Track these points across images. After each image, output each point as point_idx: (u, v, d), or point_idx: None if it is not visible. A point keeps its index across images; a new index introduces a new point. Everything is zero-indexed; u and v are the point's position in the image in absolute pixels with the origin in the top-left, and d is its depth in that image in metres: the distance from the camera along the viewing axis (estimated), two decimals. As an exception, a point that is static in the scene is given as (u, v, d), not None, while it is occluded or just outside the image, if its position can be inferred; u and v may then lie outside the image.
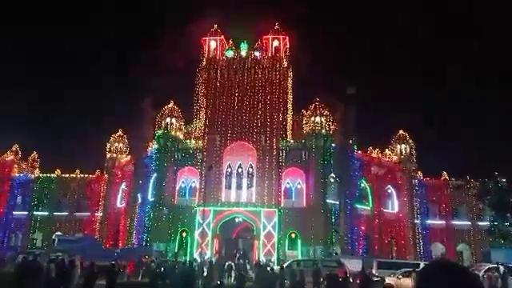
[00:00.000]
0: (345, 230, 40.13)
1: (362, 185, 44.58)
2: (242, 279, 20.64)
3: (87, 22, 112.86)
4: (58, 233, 49.16)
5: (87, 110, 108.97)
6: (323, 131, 42.22)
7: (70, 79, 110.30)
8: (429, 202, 48.55)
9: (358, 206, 42.77)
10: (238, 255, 37.50)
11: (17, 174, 53.66)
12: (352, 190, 42.16)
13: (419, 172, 49.70)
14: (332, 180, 41.43)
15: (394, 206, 47.07)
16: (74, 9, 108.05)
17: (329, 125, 42.95)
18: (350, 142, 43.64)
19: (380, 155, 47.67)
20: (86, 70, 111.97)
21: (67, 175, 53.79)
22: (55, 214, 51.39)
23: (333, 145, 42.09)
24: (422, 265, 27.66)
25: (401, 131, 50.00)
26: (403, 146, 49.18)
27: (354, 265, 28.02)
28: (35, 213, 51.77)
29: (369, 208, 44.38)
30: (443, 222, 48.10)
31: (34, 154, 57.05)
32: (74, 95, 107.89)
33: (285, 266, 28.11)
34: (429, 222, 47.67)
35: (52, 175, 53.81)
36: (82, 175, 53.74)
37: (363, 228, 42.44)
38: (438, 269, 2.38)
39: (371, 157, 46.53)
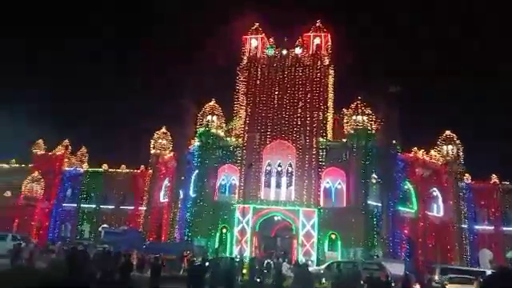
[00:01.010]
0: (387, 232, 39.16)
1: (406, 187, 43.26)
2: (280, 278, 20.68)
3: (134, 24, 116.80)
4: (105, 225, 51.40)
5: (134, 108, 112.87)
6: (365, 130, 41.35)
7: (120, 79, 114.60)
8: (477, 206, 46.45)
9: (401, 208, 41.55)
10: (275, 254, 37.61)
11: (67, 168, 56.51)
12: (395, 192, 41.02)
13: (467, 174, 47.60)
14: (374, 181, 40.51)
15: (439, 210, 45.30)
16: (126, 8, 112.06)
17: (371, 124, 41.98)
18: (394, 142, 42.46)
19: (425, 156, 46.04)
20: (135, 70, 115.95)
21: (113, 170, 56.05)
22: (102, 206, 53.69)
23: (375, 145, 41.12)
24: (488, 272, 26.57)
25: (448, 132, 48.00)
26: (450, 147, 47.15)
27: (395, 268, 27.33)
28: (83, 205, 54.33)
29: (413, 211, 42.98)
30: (492, 227, 45.88)
31: (83, 149, 59.90)
32: (122, 94, 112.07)
33: (323, 267, 27.87)
34: (476, 227, 45.63)
35: (99, 169, 56.24)
36: (127, 170, 55.82)
37: (406, 231, 41.20)
38: (504, 277, 2.30)
39: (416, 158, 45.00)
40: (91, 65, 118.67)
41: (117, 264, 21.86)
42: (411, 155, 44.78)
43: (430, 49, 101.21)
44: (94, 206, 54.12)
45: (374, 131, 41.57)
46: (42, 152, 56.79)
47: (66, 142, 58.04)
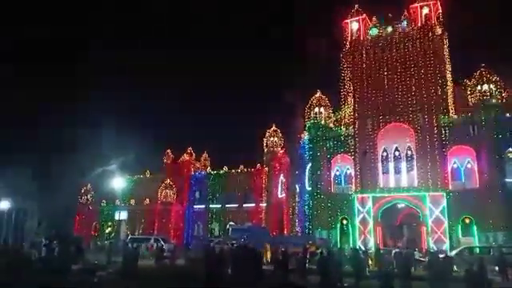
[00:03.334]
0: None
1: (553, 157, 37.34)
2: (409, 268, 19.63)
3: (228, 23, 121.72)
4: (231, 223, 54.67)
5: (243, 110, 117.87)
6: (493, 100, 36.82)
7: (227, 81, 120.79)
8: None
9: (549, 183, 35.99)
10: (399, 243, 35.76)
11: (193, 173, 61.58)
12: (538, 165, 35.74)
13: None
14: (510, 156, 35.80)
15: None
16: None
17: (500, 92, 37.24)
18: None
19: None
20: (238, 72, 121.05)
21: (233, 171, 59.37)
22: (227, 206, 57.25)
23: (508, 115, 36.32)
24: None
25: None
26: None
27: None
28: (211, 206, 58.58)
29: None
30: None
31: (205, 154, 64.68)
32: (227, 99, 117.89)
33: (454, 253, 25.60)
34: None
35: (221, 171, 60.08)
36: (245, 169, 58.60)
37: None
38: None
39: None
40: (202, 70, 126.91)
41: (248, 258, 22.98)
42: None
43: None
44: (219, 205, 57.96)
45: (504, 100, 36.78)
46: (171, 161, 62.72)
47: (190, 149, 63.22)
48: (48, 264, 22.59)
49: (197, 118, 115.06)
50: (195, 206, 59.84)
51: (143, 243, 39.10)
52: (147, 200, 59.10)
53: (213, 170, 61.71)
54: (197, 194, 60.91)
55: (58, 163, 64.22)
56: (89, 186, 63.19)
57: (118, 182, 44.60)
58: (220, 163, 61.02)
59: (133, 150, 53.45)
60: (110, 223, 59.31)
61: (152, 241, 40.06)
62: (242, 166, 58.98)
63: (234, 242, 34.91)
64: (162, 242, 37.98)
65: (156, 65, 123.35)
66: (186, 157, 62.50)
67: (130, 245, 29.74)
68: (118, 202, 58.79)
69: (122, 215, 45.59)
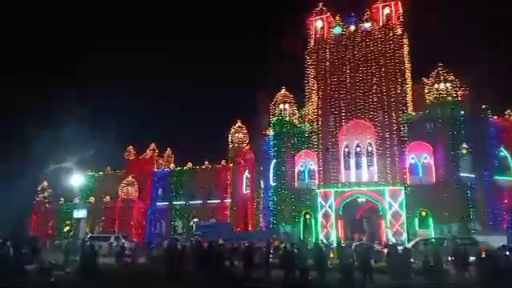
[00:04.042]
0: (484, 204, 36.17)
1: (502, 153, 39.48)
2: (368, 258, 20.17)
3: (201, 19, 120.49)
4: (195, 219, 54.18)
5: (208, 107, 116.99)
6: (449, 98, 38.44)
7: (190, 80, 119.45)
8: None
9: (498, 177, 38.01)
10: (357, 236, 36.79)
11: (156, 169, 60.47)
12: (490, 161, 37.66)
13: None
14: (464, 151, 37.55)
15: (543, 175, 40.68)
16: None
17: (455, 91, 38.93)
18: (483, 106, 39.00)
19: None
20: (203, 70, 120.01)
21: (197, 167, 58.78)
22: (190, 202, 56.67)
23: (463, 112, 38.08)
24: None
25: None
26: (552, 102, 42.09)
27: (497, 242, 25.16)
28: (174, 202, 57.75)
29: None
30: None
31: (169, 151, 63.63)
32: (194, 94, 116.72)
33: (410, 245, 26.58)
34: None
35: (184, 168, 59.34)
36: (210, 166, 58.17)
37: (506, 201, 37.64)
38: None
39: (510, 121, 40.85)
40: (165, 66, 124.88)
41: (210, 254, 22.88)
42: (505, 119, 40.81)
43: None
44: (183, 202, 57.26)
45: (459, 98, 38.52)
46: (133, 157, 61.29)
47: (153, 145, 61.99)
48: (1, 264, 21.52)
49: (161, 114, 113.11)
50: (158, 203, 58.85)
51: (103, 242, 38.04)
52: (108, 197, 57.48)
53: (176, 166, 60.85)
54: (160, 191, 59.89)
55: (11, 161, 61.34)
56: (45, 183, 60.70)
57: (77, 179, 43.11)
58: (184, 160, 60.34)
59: (93, 146, 51.85)
60: (68, 222, 57.14)
61: (112, 239, 39.02)
62: (206, 163, 58.53)
63: (197, 238, 34.64)
64: (123, 240, 37.05)
65: (120, 62, 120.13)
66: (148, 153, 61.27)
67: (89, 243, 28.75)
68: (76, 200, 56.94)
69: (81, 213, 44.18)
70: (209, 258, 22.36)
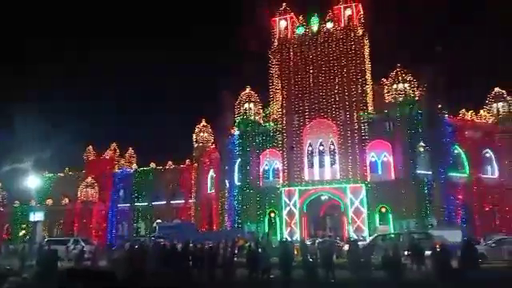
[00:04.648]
0: (440, 200, 37.82)
1: (456, 151, 41.41)
2: (330, 256, 20.55)
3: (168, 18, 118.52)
4: (158, 220, 53.25)
5: (171, 104, 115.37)
6: (408, 98, 39.82)
7: (153, 76, 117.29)
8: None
9: (453, 174, 39.90)
10: (320, 233, 37.53)
11: (117, 170, 58.94)
12: (445, 158, 39.39)
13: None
14: (422, 149, 39.08)
15: (493, 171, 43.06)
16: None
17: (413, 91, 40.39)
18: (439, 106, 40.71)
19: (474, 117, 43.78)
20: (169, 66, 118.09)
21: (161, 167, 57.82)
22: (154, 203, 55.67)
23: (420, 112, 39.59)
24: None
25: (497, 89, 45.28)
26: (500, 104, 44.49)
27: (452, 236, 26.35)
28: (136, 204, 56.57)
29: (465, 175, 41.21)
30: (557, 183, 42.89)
31: (131, 151, 62.15)
32: (157, 92, 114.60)
33: (368, 241, 27.34)
34: (539, 184, 42.80)
35: (147, 168, 58.23)
36: (174, 166, 57.36)
37: (460, 197, 39.58)
38: None
39: (464, 120, 43.01)
40: (127, 64, 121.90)
41: (173, 256, 22.55)
42: (459, 118, 42.81)
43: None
44: (146, 203, 56.18)
45: (417, 98, 40.01)
46: (93, 158, 59.47)
47: (114, 145, 60.39)
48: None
49: (122, 114, 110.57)
50: (119, 205, 57.46)
51: (61, 245, 36.63)
52: (66, 199, 55.55)
53: (139, 166, 59.56)
54: (121, 192, 58.50)
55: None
56: (-1, 185, 57.87)
57: (34, 181, 41.31)
58: (147, 160, 59.19)
59: (50, 146, 49.79)
60: (23, 225, 54.83)
61: (71, 242, 37.66)
62: (170, 163, 57.68)
63: (161, 240, 34.06)
64: (83, 244, 35.89)
65: (80, 61, 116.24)
66: (109, 153, 59.62)
67: (46, 247, 27.61)
68: (33, 202, 54.50)
69: (38, 216, 42.33)
70: (171, 259, 22.05)
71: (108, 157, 59.22)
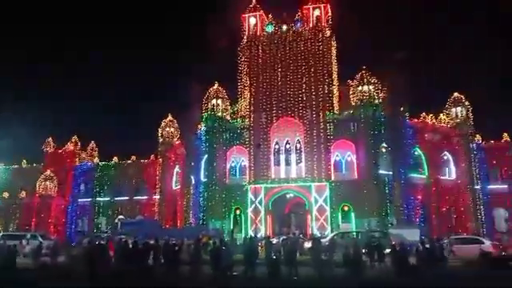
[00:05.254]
0: (400, 200, 39.14)
1: (416, 153, 42.95)
2: (293, 253, 20.85)
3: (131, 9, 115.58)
4: (121, 216, 52.11)
5: (138, 98, 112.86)
6: (372, 100, 40.86)
7: (119, 68, 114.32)
8: (489, 166, 45.93)
9: (413, 174, 41.40)
10: (285, 230, 37.95)
11: (78, 164, 57.09)
12: (405, 159, 40.80)
13: (477, 135, 46.97)
14: (384, 150, 40.27)
15: (451, 173, 45.02)
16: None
17: (377, 93, 41.46)
18: (401, 109, 42.02)
19: (434, 121, 45.55)
20: (135, 58, 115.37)
21: (124, 161, 56.48)
22: (116, 198, 54.38)
23: (383, 113, 40.72)
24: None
25: (456, 93, 47.29)
26: (459, 108, 46.52)
27: (411, 235, 27.36)
28: (98, 199, 55.05)
29: (424, 176, 42.84)
30: (505, 186, 45.33)
31: (93, 144, 60.30)
32: (122, 85, 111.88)
33: (327, 239, 27.90)
34: (490, 187, 45.12)
35: (110, 162, 56.72)
36: (138, 160, 56.17)
37: (419, 197, 41.15)
38: None
39: (425, 123, 44.58)
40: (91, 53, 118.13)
41: (135, 253, 22.14)
42: (420, 121, 44.37)
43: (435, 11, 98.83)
44: (108, 198, 54.78)
45: (380, 100, 41.09)
46: (53, 150, 57.34)
47: (75, 137, 58.46)
48: None
49: (85, 106, 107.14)
50: (80, 200, 55.74)
51: (17, 240, 35.11)
52: (24, 193, 53.28)
53: (101, 160, 57.91)
54: (82, 187, 56.78)
55: None
56: None
57: (-13, 173, 39.41)
58: (110, 154, 57.63)
59: (7, 136, 47.59)
60: (-24, 220, 52.15)
61: (27, 237, 36.18)
62: (133, 157, 56.45)
63: (122, 236, 33.34)
64: (40, 239, 34.55)
65: (42, 49, 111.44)
66: (70, 146, 57.64)
67: (1, 242, 26.40)
68: (-14, 195, 52.09)
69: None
70: (133, 256, 21.66)
71: (69, 149, 57.23)
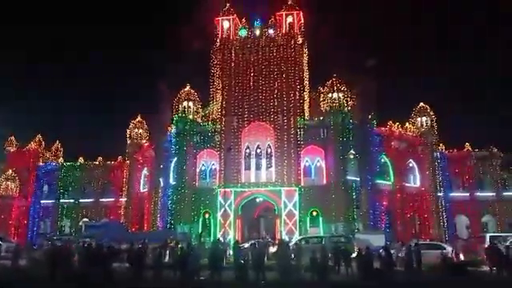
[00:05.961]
0: (366, 206, 39.96)
1: (383, 160, 44.04)
2: (261, 257, 20.89)
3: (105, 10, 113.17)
4: (85, 219, 50.67)
5: (106, 98, 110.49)
6: (341, 107, 41.61)
7: (87, 67, 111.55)
8: (452, 175, 47.77)
9: (379, 181, 42.40)
10: (255, 235, 37.97)
11: (41, 164, 55.15)
12: (372, 166, 41.75)
13: (441, 144, 48.80)
14: (352, 156, 41.02)
15: (415, 180, 46.47)
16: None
17: (347, 101, 42.26)
18: (369, 117, 43.00)
19: (400, 129, 46.92)
20: (104, 57, 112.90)
21: (90, 162, 54.95)
22: (81, 200, 52.83)
23: (352, 121, 41.54)
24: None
25: (421, 103, 48.98)
26: (424, 118, 48.26)
27: (376, 240, 27.96)
28: (62, 200, 53.28)
29: (390, 183, 43.96)
30: (467, 194, 47.31)
31: (57, 143, 58.43)
32: (91, 84, 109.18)
33: (292, 243, 28.10)
34: (452, 194, 46.93)
35: (75, 163, 55.06)
36: (104, 162, 54.78)
37: (385, 203, 42.16)
38: None
39: (391, 131, 45.81)
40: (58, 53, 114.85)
41: (98, 256, 21.63)
42: (387, 129, 45.54)
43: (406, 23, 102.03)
44: (72, 200, 53.15)
45: (349, 108, 41.91)
46: (15, 149, 55.21)
47: (39, 136, 56.52)
48: None
49: (50, 104, 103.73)
50: (43, 201, 53.80)
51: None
52: (-18, 193, 50.95)
53: (66, 161, 56.13)
54: (45, 188, 54.83)
55: None
56: None
57: None
58: (75, 154, 55.95)
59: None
60: None
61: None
62: (100, 158, 55.03)
63: (87, 239, 32.43)
64: (0, 241, 33.17)
65: (8, 45, 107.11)
66: (33, 145, 55.62)
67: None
68: None
69: None
70: (97, 259, 21.14)
71: (32, 149, 55.22)
